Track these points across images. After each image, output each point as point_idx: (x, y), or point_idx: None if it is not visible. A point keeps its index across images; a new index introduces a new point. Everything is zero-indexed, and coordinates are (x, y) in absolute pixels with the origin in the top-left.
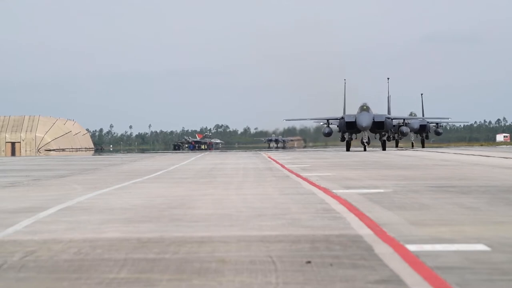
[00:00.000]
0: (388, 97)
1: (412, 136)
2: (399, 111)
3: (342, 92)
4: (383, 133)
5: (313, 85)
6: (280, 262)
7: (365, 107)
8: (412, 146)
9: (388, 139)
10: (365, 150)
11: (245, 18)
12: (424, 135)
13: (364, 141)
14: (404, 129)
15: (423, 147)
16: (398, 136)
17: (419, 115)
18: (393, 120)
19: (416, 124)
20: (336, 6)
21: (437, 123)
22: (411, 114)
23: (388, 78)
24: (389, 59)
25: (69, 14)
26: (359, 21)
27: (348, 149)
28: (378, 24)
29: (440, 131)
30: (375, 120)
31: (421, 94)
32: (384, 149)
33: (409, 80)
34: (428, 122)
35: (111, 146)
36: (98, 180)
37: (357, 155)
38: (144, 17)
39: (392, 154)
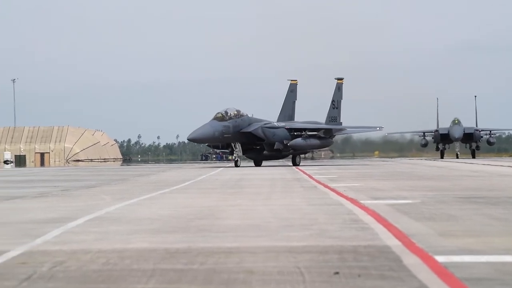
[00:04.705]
0: (332, 102)
1: (458, 146)
2: (444, 120)
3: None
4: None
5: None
6: (308, 273)
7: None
8: (457, 157)
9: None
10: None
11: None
12: (473, 144)
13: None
14: (296, 142)
15: (473, 157)
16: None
17: (466, 121)
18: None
19: (457, 133)
20: (371, 10)
21: (490, 131)
22: (454, 121)
23: (340, 79)
24: (426, 66)
25: (97, 24)
26: (394, 26)
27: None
28: (415, 30)
29: (492, 141)
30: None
31: (475, 97)
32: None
33: (443, 87)
34: (476, 130)
35: (139, 156)
36: (126, 190)
37: (384, 165)
38: (170, 28)
39: (421, 165)
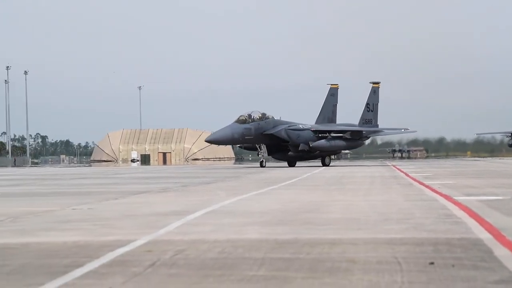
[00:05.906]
0: (367, 104)
1: None
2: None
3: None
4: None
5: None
6: (405, 263)
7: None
8: None
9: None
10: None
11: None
12: None
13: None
14: (319, 144)
15: None
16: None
17: None
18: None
19: None
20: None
21: None
22: None
23: (376, 83)
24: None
25: (209, 30)
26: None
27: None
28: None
29: None
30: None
31: None
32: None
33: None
34: None
35: (250, 156)
36: (239, 186)
37: (476, 164)
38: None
39: (511, 165)
